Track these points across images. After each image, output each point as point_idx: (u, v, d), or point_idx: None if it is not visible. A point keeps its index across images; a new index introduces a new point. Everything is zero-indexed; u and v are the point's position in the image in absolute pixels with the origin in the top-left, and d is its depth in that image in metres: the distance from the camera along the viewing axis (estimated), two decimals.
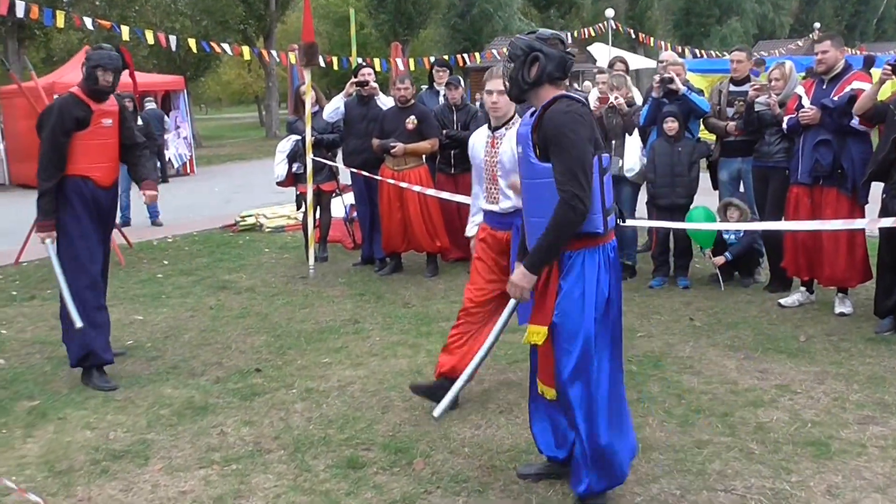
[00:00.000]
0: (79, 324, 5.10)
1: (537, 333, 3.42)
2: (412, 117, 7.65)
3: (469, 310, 4.69)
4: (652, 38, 27.56)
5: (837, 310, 6.25)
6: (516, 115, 4.70)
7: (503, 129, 4.69)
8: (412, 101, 7.83)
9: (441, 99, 8.67)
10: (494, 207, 4.72)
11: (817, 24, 41.13)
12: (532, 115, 3.43)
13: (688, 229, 7.05)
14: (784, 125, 6.33)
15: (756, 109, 6.64)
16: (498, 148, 4.68)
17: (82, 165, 5.31)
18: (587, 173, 3.20)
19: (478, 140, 4.89)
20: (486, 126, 4.89)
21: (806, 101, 6.13)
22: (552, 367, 3.48)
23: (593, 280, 3.33)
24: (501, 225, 4.68)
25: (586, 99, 7.51)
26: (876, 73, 6.44)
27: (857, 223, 5.62)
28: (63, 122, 5.21)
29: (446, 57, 17.41)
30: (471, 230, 5.11)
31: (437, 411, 3.53)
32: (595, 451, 3.40)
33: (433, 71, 9.13)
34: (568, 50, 3.41)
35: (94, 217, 5.38)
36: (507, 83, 3.55)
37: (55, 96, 5.77)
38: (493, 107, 4.63)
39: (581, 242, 3.33)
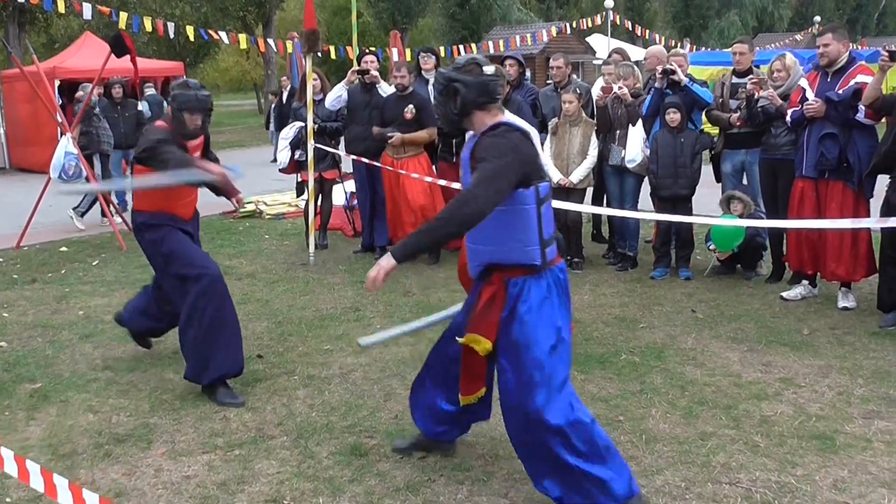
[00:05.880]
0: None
1: (477, 342, 3.40)
2: (410, 106, 7.66)
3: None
4: (648, 31, 27.44)
5: (841, 304, 6.24)
6: None
7: None
8: (410, 89, 7.80)
9: (430, 87, 8.59)
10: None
11: (817, 18, 41.12)
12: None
13: (712, 234, 7.07)
14: (788, 118, 6.31)
15: (760, 104, 6.61)
16: None
17: (171, 203, 4.98)
18: (500, 189, 3.14)
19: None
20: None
21: (810, 94, 6.10)
22: (476, 380, 3.62)
23: (540, 308, 3.30)
24: None
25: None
26: None
27: (863, 223, 5.61)
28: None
29: (442, 47, 17.40)
30: None
31: (363, 340, 3.73)
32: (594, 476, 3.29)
33: (419, 58, 9.04)
34: (486, 73, 3.35)
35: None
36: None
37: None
38: None
39: (522, 271, 3.33)
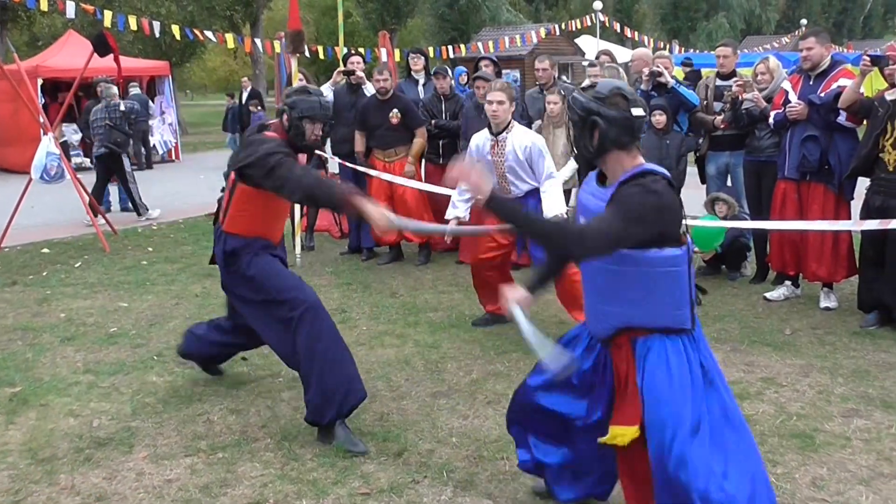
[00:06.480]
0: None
1: (622, 435, 2.94)
2: (395, 111, 7.61)
3: (476, 267, 5.91)
4: (636, 33, 27.55)
5: (822, 304, 6.28)
6: (513, 121, 5.61)
7: (504, 133, 5.55)
8: (392, 93, 7.77)
9: (420, 88, 8.61)
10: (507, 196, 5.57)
11: (804, 21, 41.39)
12: (599, 180, 3.01)
13: (693, 235, 7.07)
14: (771, 120, 6.34)
15: (744, 107, 6.64)
16: (504, 149, 5.54)
17: (264, 227, 4.39)
18: (617, 243, 2.75)
19: (480, 141, 5.71)
20: (486, 129, 5.67)
21: (793, 97, 6.13)
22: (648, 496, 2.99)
23: (682, 363, 2.85)
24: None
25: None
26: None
27: (842, 224, 5.65)
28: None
29: (431, 48, 17.43)
30: (450, 213, 5.77)
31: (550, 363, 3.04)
32: None
33: (409, 59, 9.05)
34: (632, 109, 2.87)
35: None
36: (569, 142, 3.21)
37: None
38: (493, 115, 5.49)
39: (663, 331, 2.90)
